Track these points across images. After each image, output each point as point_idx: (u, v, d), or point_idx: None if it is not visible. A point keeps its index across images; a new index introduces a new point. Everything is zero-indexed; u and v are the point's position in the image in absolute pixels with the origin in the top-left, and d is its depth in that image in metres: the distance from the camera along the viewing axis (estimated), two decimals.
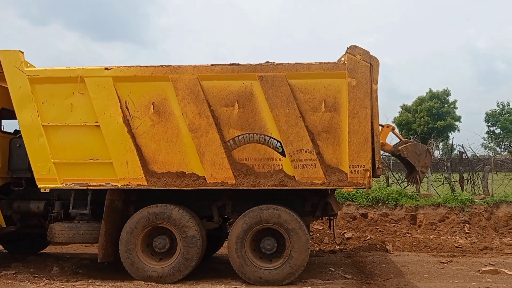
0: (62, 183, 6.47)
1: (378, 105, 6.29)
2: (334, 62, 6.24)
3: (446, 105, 47.05)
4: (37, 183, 6.49)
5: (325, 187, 6.14)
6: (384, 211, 12.67)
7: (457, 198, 12.20)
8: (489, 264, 7.52)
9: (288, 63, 6.29)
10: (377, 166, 6.18)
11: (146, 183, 6.32)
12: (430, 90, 48.02)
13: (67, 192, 6.75)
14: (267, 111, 6.23)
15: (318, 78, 6.23)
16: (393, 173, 15.96)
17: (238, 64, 6.35)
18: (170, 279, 6.19)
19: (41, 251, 8.60)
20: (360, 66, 6.15)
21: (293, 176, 6.15)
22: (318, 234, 10.64)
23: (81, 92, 6.47)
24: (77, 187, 6.45)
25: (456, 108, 47.56)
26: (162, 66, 6.43)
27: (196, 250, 6.22)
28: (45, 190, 6.49)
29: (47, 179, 6.46)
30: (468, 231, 11.29)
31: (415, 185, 7.79)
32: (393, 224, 12.19)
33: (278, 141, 6.20)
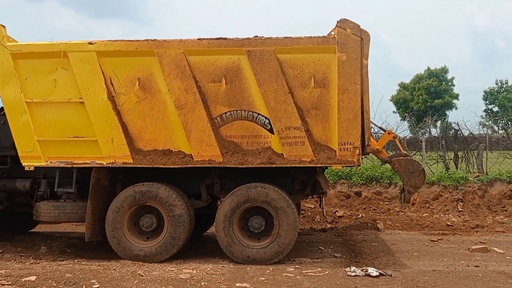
0: (47, 161, 6.34)
1: (369, 80, 6.13)
2: (324, 36, 6.05)
3: (444, 83, 46.67)
4: (21, 161, 6.36)
5: (313, 165, 6.03)
6: (378, 189, 12.65)
7: (451, 176, 12.17)
8: (480, 242, 7.48)
9: (277, 37, 6.10)
10: (366, 144, 6.07)
11: (132, 161, 6.20)
12: (428, 68, 47.55)
13: (53, 170, 6.62)
14: (255, 87, 6.07)
15: (308, 52, 6.06)
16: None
17: (225, 38, 6.16)
18: (157, 258, 6.13)
19: (31, 230, 8.53)
20: (351, 40, 5.97)
21: (282, 154, 6.03)
22: (309, 213, 10.61)
23: (64, 67, 6.29)
24: (61, 165, 6.33)
25: (453, 85, 47.19)
26: (147, 40, 6.24)
27: (183, 229, 6.14)
28: (29, 168, 6.37)
29: (31, 157, 6.33)
30: (461, 209, 11.28)
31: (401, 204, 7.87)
32: (387, 203, 12.18)
33: (266, 118, 6.06)
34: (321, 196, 6.83)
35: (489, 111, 47.88)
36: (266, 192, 6.09)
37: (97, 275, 5.40)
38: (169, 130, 6.19)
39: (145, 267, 5.83)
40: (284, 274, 5.48)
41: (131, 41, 6.25)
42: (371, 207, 11.89)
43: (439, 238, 7.85)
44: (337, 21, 6.02)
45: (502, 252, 6.77)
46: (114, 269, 5.69)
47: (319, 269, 5.74)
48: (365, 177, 12.84)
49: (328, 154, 5.99)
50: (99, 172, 6.33)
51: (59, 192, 6.53)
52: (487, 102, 51.23)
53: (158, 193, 6.18)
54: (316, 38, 6.04)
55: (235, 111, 6.11)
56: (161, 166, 6.16)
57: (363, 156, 6.41)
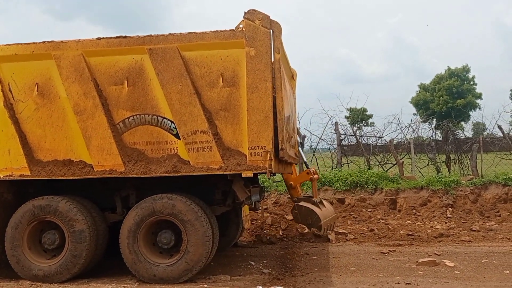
0: None
1: (283, 76, 5.52)
2: (231, 30, 5.47)
3: (465, 82, 45.11)
4: None
5: (222, 172, 5.41)
6: (362, 195, 11.94)
7: (441, 180, 11.37)
8: (435, 254, 6.71)
9: (181, 33, 5.56)
10: (280, 147, 5.43)
11: (29, 173, 5.71)
12: (449, 68, 46.11)
13: None
14: (158, 89, 5.53)
15: (215, 49, 5.48)
16: (375, 155, 15.09)
17: (125, 37, 5.65)
18: (57, 278, 5.59)
19: None
20: (260, 33, 5.37)
21: (188, 161, 5.45)
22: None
23: None
24: None
25: (475, 84, 45.54)
26: (44, 42, 5.78)
27: (85, 246, 5.58)
28: None
29: None
30: (450, 215, 10.50)
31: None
32: (370, 210, 11.45)
33: (172, 122, 5.50)
34: (239, 207, 6.16)
35: None
36: (173, 204, 5.50)
37: None
38: (70, 138, 5.68)
39: None
40: None
41: (28, 44, 5.79)
42: (351, 214, 11.17)
43: (391, 250, 7.10)
44: (245, 12, 5.44)
45: (453, 265, 6.01)
46: None
47: None
48: (349, 183, 12.15)
49: (238, 160, 5.37)
50: None
51: None
52: None
53: (58, 207, 5.66)
54: (222, 33, 5.47)
55: (138, 116, 5.57)
56: (60, 177, 5.65)
57: (279, 161, 5.75)
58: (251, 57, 5.35)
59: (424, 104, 45.02)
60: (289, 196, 8.48)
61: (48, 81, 5.73)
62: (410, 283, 5.18)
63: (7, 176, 5.75)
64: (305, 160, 8.31)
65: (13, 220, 5.74)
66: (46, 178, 5.69)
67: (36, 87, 5.73)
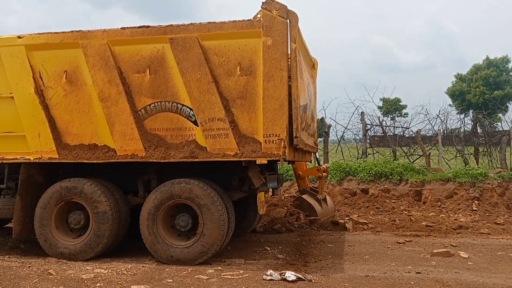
0: None
1: (299, 66, 5.60)
2: (249, 20, 5.58)
3: (504, 73, 43.41)
4: None
5: (237, 159, 5.56)
6: (386, 186, 11.91)
7: (468, 173, 11.18)
8: (451, 245, 6.67)
9: (200, 23, 5.71)
10: (294, 135, 5.53)
11: (57, 156, 6.03)
12: (487, 58, 44.39)
13: (2, 166, 6.59)
14: (178, 77, 5.72)
15: (233, 38, 5.61)
16: (402, 146, 14.91)
17: (148, 27, 5.85)
18: (82, 257, 5.91)
19: (5, 226, 8.59)
20: (277, 22, 5.46)
21: (205, 147, 5.63)
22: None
23: None
24: None
25: None
26: (72, 31, 6.05)
27: (108, 227, 5.87)
28: None
29: None
30: (475, 208, 10.36)
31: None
32: (394, 201, 11.43)
33: (190, 109, 5.69)
34: (256, 193, 6.30)
35: None
36: (190, 188, 5.70)
37: (6, 273, 5.29)
38: (95, 124, 5.96)
39: (63, 266, 5.65)
40: (196, 277, 5.08)
41: (57, 33, 6.08)
42: (375, 205, 11.18)
43: (408, 240, 7.09)
44: (262, 3, 5.52)
45: (467, 257, 5.98)
46: (29, 266, 5.55)
47: (241, 272, 5.28)
48: (373, 173, 12.13)
49: (253, 147, 5.51)
50: (29, 167, 6.22)
51: None
52: None
53: (83, 189, 5.96)
54: (240, 22, 5.59)
55: (159, 103, 5.78)
56: (85, 161, 5.95)
57: (294, 149, 5.84)
58: (268, 46, 5.45)
59: (460, 95, 43.62)
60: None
61: (76, 68, 6.01)
62: (420, 272, 5.20)
63: (37, 158, 6.09)
64: (317, 157, 8.34)
65: (42, 200, 6.09)
66: (73, 161, 5.99)
67: (65, 74, 6.03)
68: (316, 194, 8.35)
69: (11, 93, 6.16)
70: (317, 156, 8.21)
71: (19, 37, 6.16)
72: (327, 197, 8.96)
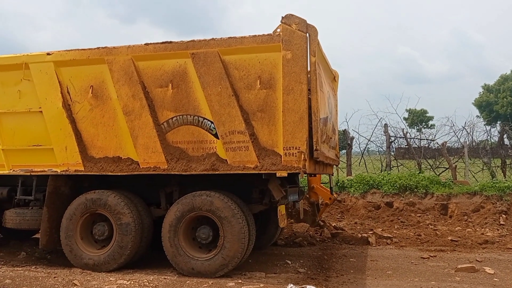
0: (10, 169, 6.54)
1: (319, 79, 5.62)
2: (268, 34, 5.65)
3: None
4: None
5: (257, 172, 5.60)
6: (411, 199, 11.73)
7: (495, 186, 10.92)
8: (476, 260, 6.50)
9: (221, 38, 5.81)
10: (315, 148, 5.53)
11: (83, 169, 6.20)
12: None
13: (31, 178, 6.81)
14: (200, 91, 5.82)
15: (253, 52, 5.69)
16: (427, 159, 14.64)
17: (170, 42, 5.99)
18: (105, 268, 6.01)
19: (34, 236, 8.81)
20: (296, 36, 5.51)
21: (226, 160, 5.69)
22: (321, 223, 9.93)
23: (27, 78, 6.48)
24: (22, 173, 6.50)
25: None
26: (98, 48, 6.25)
27: (131, 238, 5.97)
28: None
29: None
30: (503, 223, 10.07)
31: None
32: (419, 215, 11.21)
33: (211, 122, 5.77)
34: (276, 205, 6.29)
35: None
36: (211, 200, 5.76)
37: (33, 283, 5.44)
38: (119, 137, 6.11)
39: (87, 276, 5.76)
40: None
41: (84, 49, 6.29)
42: (399, 219, 11.00)
43: (432, 255, 6.94)
44: (282, 17, 5.60)
45: (493, 272, 5.81)
46: (55, 277, 5.69)
47: (262, 285, 5.28)
48: (398, 186, 11.97)
49: (273, 159, 5.54)
50: (56, 179, 6.40)
51: (20, 200, 6.68)
52: None
53: (107, 201, 6.10)
54: (260, 37, 5.66)
55: (181, 116, 5.89)
56: (109, 173, 6.09)
57: (315, 162, 5.82)
58: (287, 60, 5.50)
59: (488, 106, 42.76)
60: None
61: (102, 83, 6.19)
62: None
63: (63, 171, 6.28)
64: (331, 186, 8.25)
65: (68, 211, 6.26)
66: (97, 174, 6.14)
67: (91, 89, 6.22)
68: (316, 219, 8.22)
69: (40, 107, 6.38)
70: (331, 185, 8.14)
71: (48, 53, 6.39)
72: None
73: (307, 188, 8.12)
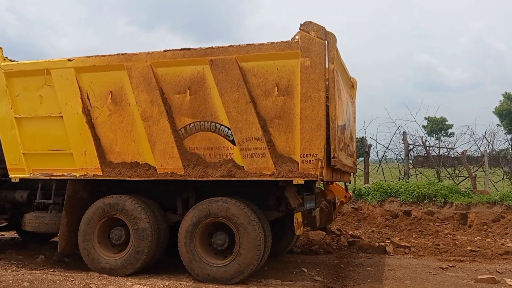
0: (31, 173, 6.65)
1: (337, 86, 5.59)
2: (287, 41, 5.65)
3: None
4: (9, 173, 6.74)
5: (274, 178, 5.58)
6: (430, 208, 11.59)
7: None
8: (496, 271, 6.36)
9: (239, 45, 5.83)
10: (332, 155, 5.49)
11: (101, 173, 6.26)
12: None
13: (50, 182, 6.91)
14: (217, 97, 5.83)
15: (271, 59, 5.69)
16: (446, 167, 14.43)
17: (189, 49, 6.03)
18: (122, 272, 6.05)
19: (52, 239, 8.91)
20: (314, 44, 5.50)
21: (242, 166, 5.69)
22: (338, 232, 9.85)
23: (48, 84, 6.58)
24: (41, 177, 6.59)
25: None
26: (118, 54, 6.32)
27: (147, 243, 6.00)
28: (15, 180, 6.73)
29: (17, 169, 6.68)
30: None
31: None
32: (438, 224, 11.09)
33: (228, 128, 5.78)
34: (293, 213, 6.25)
35: None
36: (227, 207, 5.76)
37: (50, 286, 5.49)
38: (137, 142, 6.16)
39: (104, 280, 5.79)
40: None
41: (104, 56, 6.37)
42: (417, 228, 10.86)
43: (451, 265, 6.82)
44: (301, 24, 5.59)
45: None
46: (72, 280, 5.74)
47: None
48: (417, 195, 11.86)
49: (290, 166, 5.52)
50: (75, 184, 6.48)
51: (39, 204, 6.78)
52: None
53: (124, 205, 6.14)
54: (279, 44, 5.67)
55: (198, 122, 5.91)
56: (127, 178, 6.14)
57: (332, 169, 5.78)
58: (306, 67, 5.49)
59: (508, 114, 42.01)
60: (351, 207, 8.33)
61: (121, 89, 6.26)
62: None
63: (82, 175, 6.35)
64: (346, 184, 8.18)
65: (86, 216, 6.32)
66: (115, 179, 6.20)
67: (110, 95, 6.29)
68: (327, 225, 8.16)
69: (61, 112, 6.48)
70: (346, 183, 8.07)
71: (69, 60, 6.50)
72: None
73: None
